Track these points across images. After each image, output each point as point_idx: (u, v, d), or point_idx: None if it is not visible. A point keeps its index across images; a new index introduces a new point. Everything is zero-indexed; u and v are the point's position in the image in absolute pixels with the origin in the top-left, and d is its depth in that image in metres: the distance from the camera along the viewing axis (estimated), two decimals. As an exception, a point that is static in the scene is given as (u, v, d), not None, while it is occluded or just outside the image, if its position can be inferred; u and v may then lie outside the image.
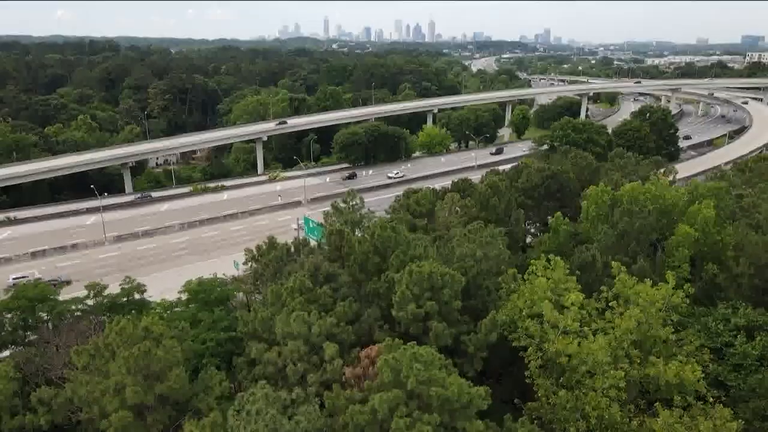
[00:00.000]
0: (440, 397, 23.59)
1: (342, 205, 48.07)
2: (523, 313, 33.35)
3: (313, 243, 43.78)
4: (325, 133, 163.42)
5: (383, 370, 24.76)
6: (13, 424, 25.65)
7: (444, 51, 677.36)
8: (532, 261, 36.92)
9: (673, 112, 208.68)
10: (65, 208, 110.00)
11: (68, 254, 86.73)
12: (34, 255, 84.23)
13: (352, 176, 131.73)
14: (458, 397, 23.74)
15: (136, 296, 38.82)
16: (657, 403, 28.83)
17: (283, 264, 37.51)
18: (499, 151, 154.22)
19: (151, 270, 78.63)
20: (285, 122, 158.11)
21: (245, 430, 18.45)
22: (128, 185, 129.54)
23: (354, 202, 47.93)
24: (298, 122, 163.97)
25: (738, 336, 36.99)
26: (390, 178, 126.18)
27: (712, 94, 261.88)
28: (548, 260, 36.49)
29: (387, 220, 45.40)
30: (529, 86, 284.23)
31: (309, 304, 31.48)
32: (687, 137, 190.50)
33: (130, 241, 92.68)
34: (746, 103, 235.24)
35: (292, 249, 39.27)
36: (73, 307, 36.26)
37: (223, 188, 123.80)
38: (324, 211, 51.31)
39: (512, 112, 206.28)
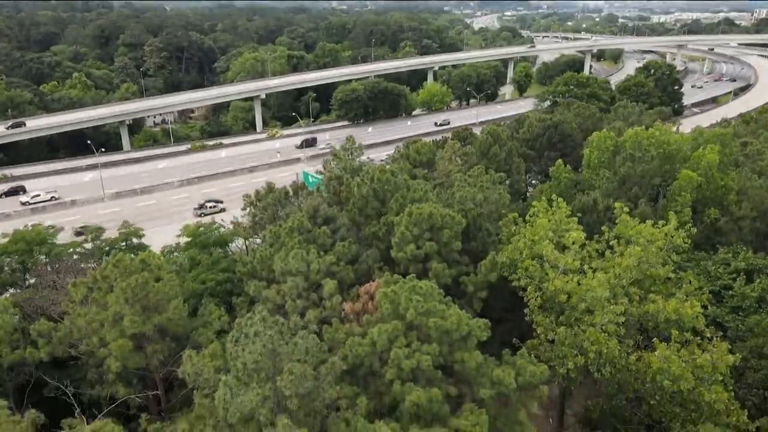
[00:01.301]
0: (439, 327, 23.57)
1: (341, 152, 47.45)
2: (524, 254, 33.20)
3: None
4: (324, 91, 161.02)
5: (382, 302, 24.71)
6: (13, 358, 25.83)
7: (445, 9, 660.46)
8: (533, 203, 36.56)
9: (679, 69, 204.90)
10: (63, 165, 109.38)
11: (67, 210, 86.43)
12: (33, 210, 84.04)
13: (311, 142, 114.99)
14: (457, 328, 23.73)
15: (135, 241, 38.69)
16: (655, 340, 28.91)
17: (281, 207, 37.19)
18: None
19: (151, 225, 78.33)
20: (23, 124, 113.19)
21: (243, 353, 18.43)
22: (126, 143, 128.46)
23: (353, 149, 47.28)
24: (259, 85, 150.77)
25: (737, 279, 37.02)
26: None
27: (713, 49, 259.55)
28: (550, 202, 36.14)
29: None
30: (532, 44, 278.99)
31: (308, 244, 31.30)
32: (733, 80, 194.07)
33: (130, 197, 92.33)
34: (712, 49, 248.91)
35: (290, 192, 38.86)
36: (71, 250, 36.17)
37: (222, 146, 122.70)
38: (324, 159, 50.72)
39: (514, 69, 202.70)
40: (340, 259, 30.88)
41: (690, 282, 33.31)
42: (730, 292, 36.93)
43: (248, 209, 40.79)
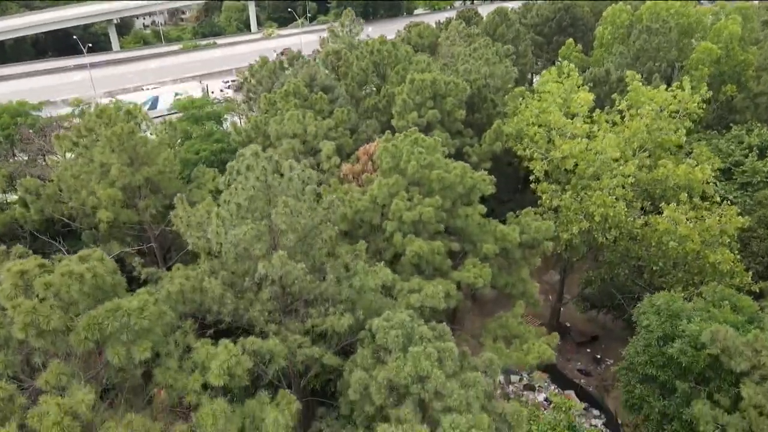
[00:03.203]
0: (442, 180, 22.57)
1: (339, 28, 44.61)
2: (530, 122, 31.76)
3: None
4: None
5: (383, 156, 23.58)
6: (3, 219, 25.15)
7: None
8: (543, 72, 34.60)
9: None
10: (52, 65, 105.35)
11: (58, 110, 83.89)
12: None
13: None
14: (461, 181, 22.76)
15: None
16: (663, 204, 28.08)
17: (276, 79, 35.26)
18: None
19: (146, 123, 76.50)
20: None
21: (236, 192, 17.52)
22: (115, 44, 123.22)
23: (351, 26, 44.44)
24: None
25: (749, 155, 35.85)
26: None
27: None
28: (560, 72, 34.16)
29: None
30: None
31: (305, 109, 29.79)
32: None
33: (121, 95, 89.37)
34: None
35: (286, 63, 36.74)
36: (57, 122, 34.78)
37: (216, 45, 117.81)
38: (320, 37, 47.92)
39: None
40: (338, 124, 29.47)
41: (701, 152, 32.12)
42: (741, 167, 35.88)
43: (242, 86, 38.82)
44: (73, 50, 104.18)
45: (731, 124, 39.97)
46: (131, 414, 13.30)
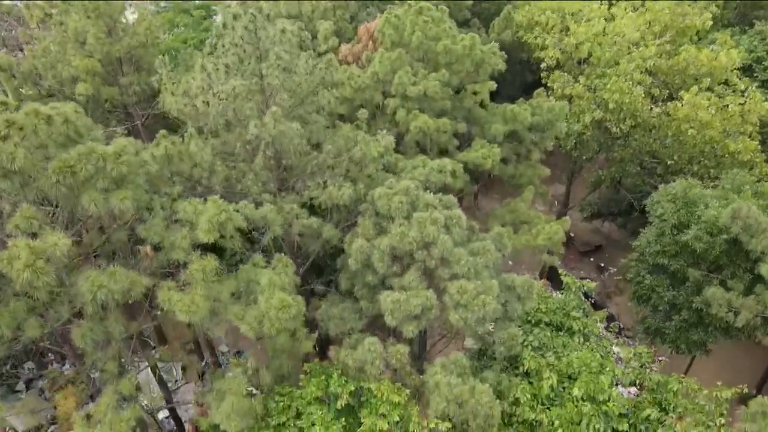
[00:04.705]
0: (449, 52, 20.78)
1: None
2: (543, 9, 29.46)
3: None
4: None
5: (385, 29, 21.66)
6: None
7: None
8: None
9: None
10: None
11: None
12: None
13: None
14: (470, 54, 20.96)
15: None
16: (682, 91, 26.31)
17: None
18: None
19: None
20: None
21: (223, 51, 15.83)
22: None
23: None
24: None
25: (773, 50, 33.65)
26: None
27: None
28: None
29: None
30: None
31: (299, -8, 27.46)
32: None
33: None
34: None
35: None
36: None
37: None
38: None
39: None
40: (336, 7, 27.25)
41: (726, 42, 29.95)
42: (763, 64, 33.80)
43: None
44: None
45: (754, 21, 37.46)
46: (116, 267, 12.29)
